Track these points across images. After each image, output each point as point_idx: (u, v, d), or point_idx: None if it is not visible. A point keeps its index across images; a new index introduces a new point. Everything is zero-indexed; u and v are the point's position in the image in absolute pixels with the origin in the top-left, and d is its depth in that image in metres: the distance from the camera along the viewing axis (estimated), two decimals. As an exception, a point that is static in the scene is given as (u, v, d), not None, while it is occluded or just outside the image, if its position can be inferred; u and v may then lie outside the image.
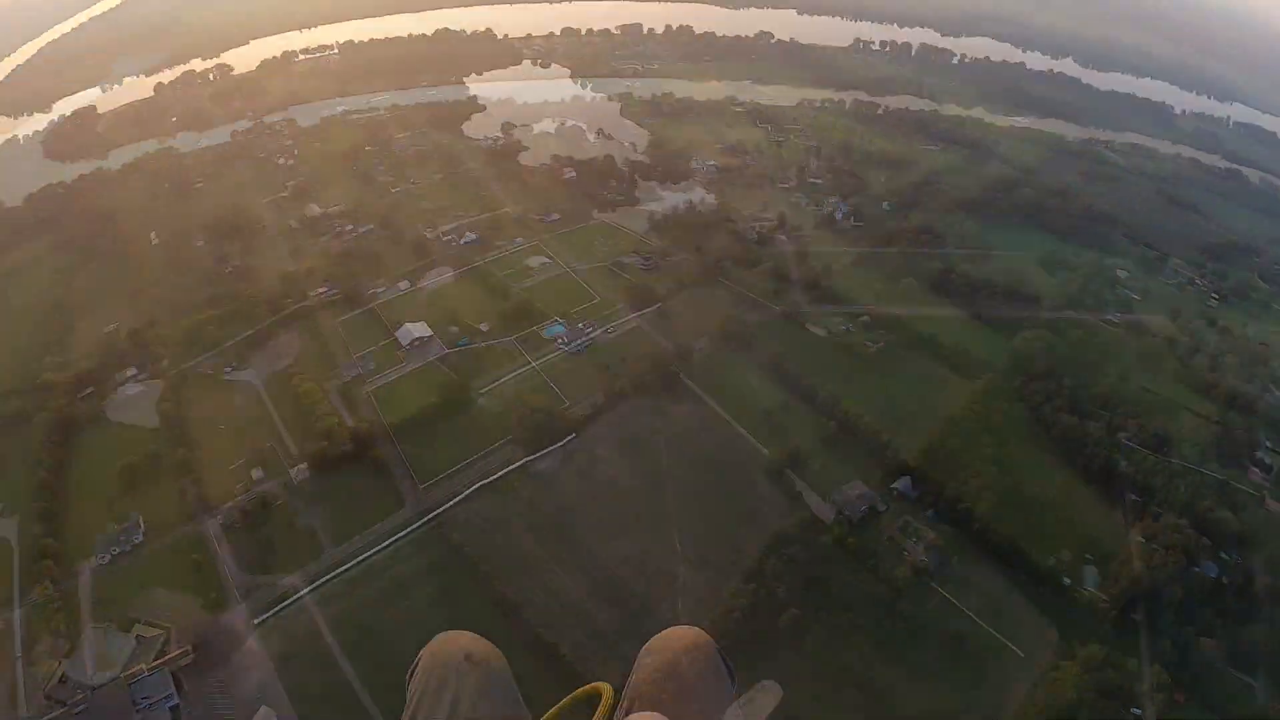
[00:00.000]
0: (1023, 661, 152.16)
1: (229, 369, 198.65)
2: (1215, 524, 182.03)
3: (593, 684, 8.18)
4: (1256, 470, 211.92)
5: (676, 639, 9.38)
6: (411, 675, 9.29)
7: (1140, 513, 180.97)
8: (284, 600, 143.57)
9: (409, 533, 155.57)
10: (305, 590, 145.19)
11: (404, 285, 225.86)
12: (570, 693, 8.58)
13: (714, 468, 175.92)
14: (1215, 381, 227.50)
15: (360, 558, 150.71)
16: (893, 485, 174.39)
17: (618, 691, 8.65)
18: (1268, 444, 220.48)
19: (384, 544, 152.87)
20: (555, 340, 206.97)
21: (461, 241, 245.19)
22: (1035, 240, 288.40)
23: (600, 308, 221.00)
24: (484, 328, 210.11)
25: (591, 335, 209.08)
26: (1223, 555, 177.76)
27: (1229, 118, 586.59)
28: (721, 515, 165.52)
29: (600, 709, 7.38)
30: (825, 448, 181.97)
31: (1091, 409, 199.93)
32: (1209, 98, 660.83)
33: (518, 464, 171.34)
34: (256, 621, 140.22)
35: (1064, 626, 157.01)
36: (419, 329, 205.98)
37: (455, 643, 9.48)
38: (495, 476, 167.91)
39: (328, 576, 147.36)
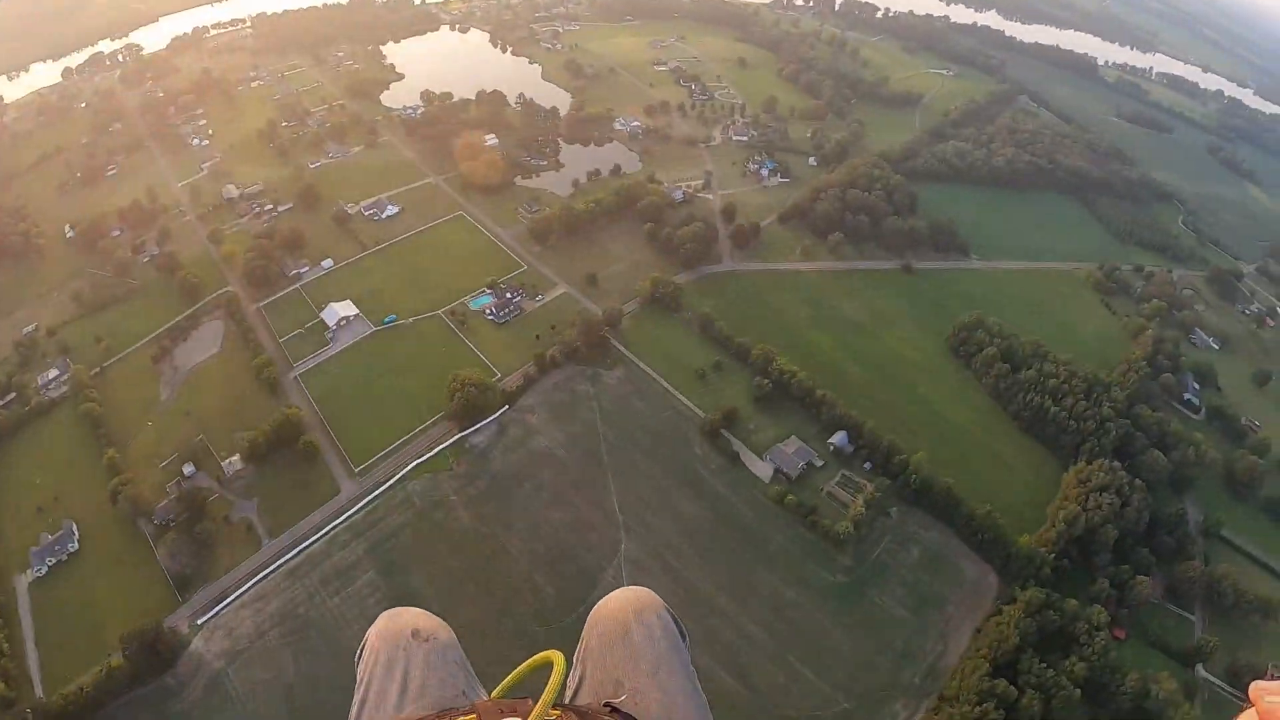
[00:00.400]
0: (966, 608, 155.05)
1: (154, 362, 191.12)
2: (1147, 465, 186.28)
3: (543, 653, 7.64)
4: (1185, 411, 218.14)
5: (625, 601, 9.15)
6: (360, 656, 8.95)
7: (1074, 457, 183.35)
8: (224, 599, 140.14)
9: (346, 519, 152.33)
10: (246, 587, 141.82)
11: (327, 264, 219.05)
12: (521, 663, 8.27)
13: (649, 431, 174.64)
14: (1143, 327, 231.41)
15: (299, 549, 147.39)
16: (829, 440, 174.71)
17: (569, 659, 8.24)
18: (1195, 386, 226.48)
19: (321, 533, 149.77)
20: (483, 311, 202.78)
21: (383, 215, 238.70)
22: (964, 192, 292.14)
23: (528, 275, 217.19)
24: (409, 302, 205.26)
25: (519, 302, 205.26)
26: (1154, 496, 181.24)
27: (1152, 68, 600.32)
28: (659, 479, 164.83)
29: (552, 678, 6.98)
30: (760, 406, 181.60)
31: (1023, 357, 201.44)
32: (1131, 48, 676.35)
33: (451, 440, 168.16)
34: (200, 622, 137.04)
35: (1004, 572, 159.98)
36: (344, 308, 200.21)
37: (401, 619, 9.14)
38: (430, 455, 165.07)
39: (266, 571, 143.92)
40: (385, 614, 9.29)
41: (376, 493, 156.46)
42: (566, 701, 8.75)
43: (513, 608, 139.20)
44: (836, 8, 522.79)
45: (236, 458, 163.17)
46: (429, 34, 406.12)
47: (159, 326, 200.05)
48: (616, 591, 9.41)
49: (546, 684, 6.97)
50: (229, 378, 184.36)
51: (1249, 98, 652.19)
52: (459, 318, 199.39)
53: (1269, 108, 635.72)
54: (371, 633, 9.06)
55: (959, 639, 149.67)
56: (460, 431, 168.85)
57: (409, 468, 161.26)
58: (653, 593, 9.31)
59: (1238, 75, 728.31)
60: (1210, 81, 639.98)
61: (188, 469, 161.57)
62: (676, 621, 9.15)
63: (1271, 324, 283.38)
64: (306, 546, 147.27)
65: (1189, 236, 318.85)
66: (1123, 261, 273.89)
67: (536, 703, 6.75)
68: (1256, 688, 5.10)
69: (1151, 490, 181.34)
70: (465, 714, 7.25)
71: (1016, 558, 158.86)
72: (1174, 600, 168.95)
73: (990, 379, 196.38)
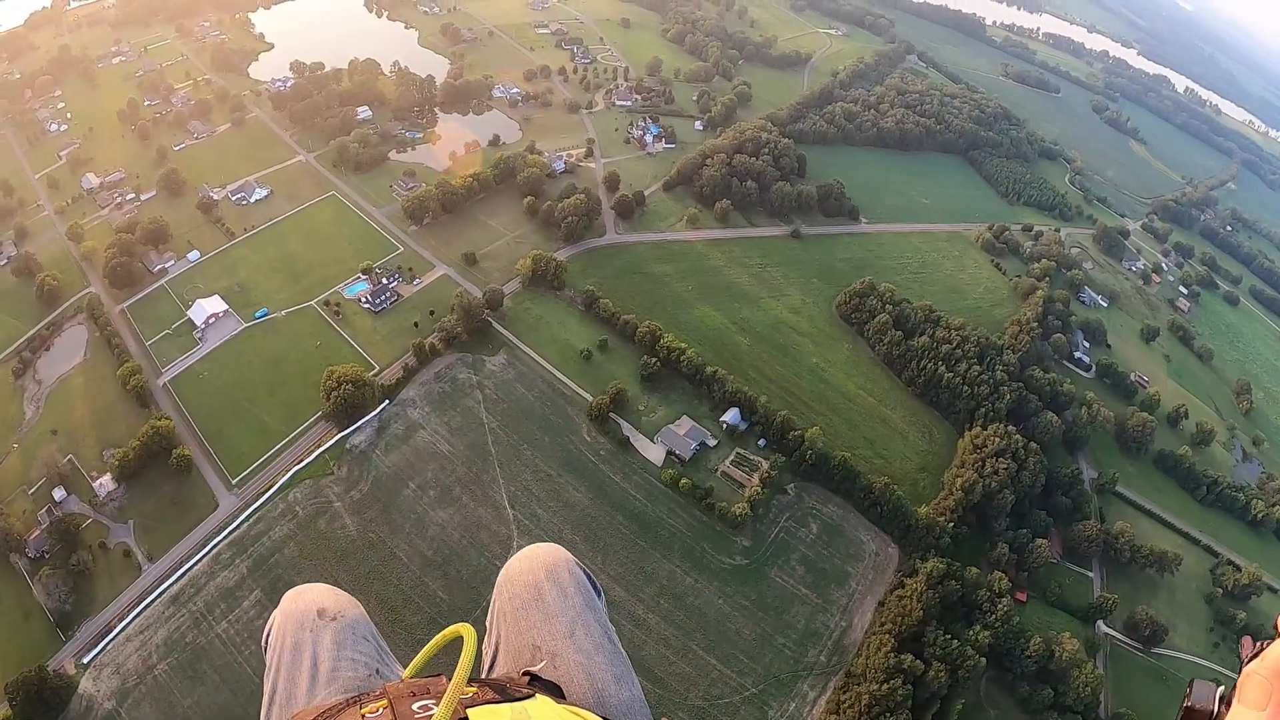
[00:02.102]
0: (867, 582, 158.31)
1: (15, 377, 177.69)
2: (1042, 427, 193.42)
3: (453, 627, 7.46)
4: (1076, 369, 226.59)
5: (534, 559, 9.06)
6: (266, 641, 8.82)
7: (969, 422, 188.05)
8: (109, 633, 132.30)
9: (227, 536, 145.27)
10: (130, 618, 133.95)
11: (194, 255, 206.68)
12: (429, 641, 8.08)
13: (536, 419, 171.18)
14: (1033, 288, 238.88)
15: (180, 572, 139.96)
16: (722, 419, 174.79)
17: (480, 626, 8.17)
18: (1085, 344, 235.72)
19: (202, 552, 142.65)
20: (358, 299, 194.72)
21: (252, 199, 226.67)
22: (853, 154, 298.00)
23: (404, 257, 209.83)
24: (282, 293, 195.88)
25: (396, 288, 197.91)
26: (1049, 458, 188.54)
27: (1039, 29, 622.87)
28: (549, 470, 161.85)
29: (464, 654, 6.86)
30: (649, 386, 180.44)
31: (915, 323, 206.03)
32: (1019, 9, 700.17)
33: (331, 442, 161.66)
34: (85, 661, 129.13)
35: (904, 543, 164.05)
36: (213, 304, 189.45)
37: (305, 598, 8.92)
38: (309, 460, 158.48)
39: (150, 599, 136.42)
40: (289, 593, 9.03)
41: (256, 505, 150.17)
42: (483, 674, 8.68)
43: (405, 616, 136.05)
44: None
45: (107, 478, 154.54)
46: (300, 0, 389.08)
47: (19, 337, 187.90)
48: (524, 550, 9.26)
49: (459, 658, 6.71)
50: (95, 389, 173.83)
51: (1133, 58, 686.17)
52: (333, 308, 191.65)
53: (1152, 67, 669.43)
54: (276, 614, 8.82)
55: (863, 614, 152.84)
56: (340, 432, 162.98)
57: (288, 475, 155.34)
58: (561, 548, 9.25)
59: (1122, 36, 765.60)
60: (1096, 42, 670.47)
61: (58, 493, 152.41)
62: (589, 576, 9.09)
63: (1157, 280, 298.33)
64: (188, 569, 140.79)
65: (1076, 195, 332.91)
66: (1012, 221, 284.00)
67: (450, 679, 6.44)
68: None
69: (1046, 451, 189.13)
70: (375, 699, 6.90)
71: (916, 528, 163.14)
72: (1073, 559, 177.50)
73: (883, 347, 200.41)
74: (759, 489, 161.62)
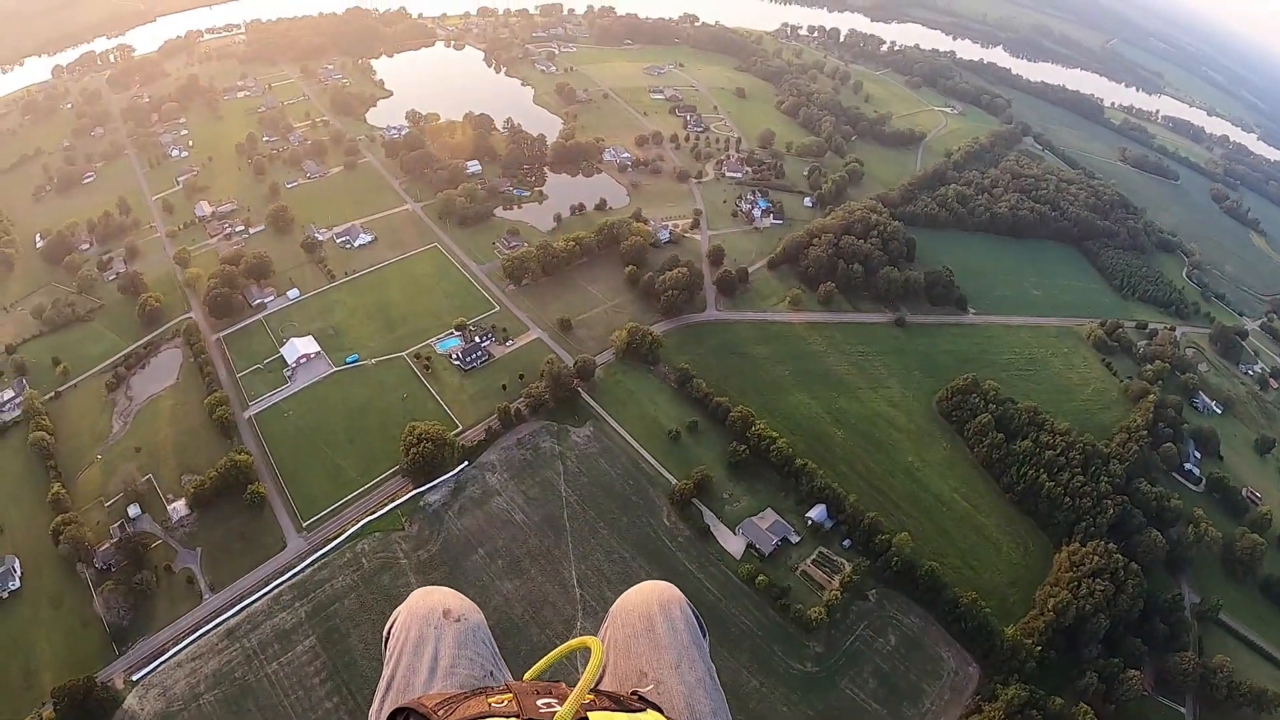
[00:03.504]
0: (943, 702, 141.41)
1: (108, 390, 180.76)
2: (1144, 546, 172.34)
3: (580, 638, 7.76)
4: (1184, 482, 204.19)
5: (649, 594, 8.99)
6: (388, 634, 8.85)
7: (1067, 536, 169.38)
8: (162, 655, 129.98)
9: (290, 578, 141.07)
10: (184, 644, 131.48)
11: (294, 293, 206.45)
12: (556, 648, 8.28)
13: (616, 497, 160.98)
14: (1145, 391, 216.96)
15: (239, 606, 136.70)
16: (808, 515, 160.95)
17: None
18: (1196, 454, 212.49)
19: (264, 591, 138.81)
20: (449, 355, 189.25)
21: (355, 243, 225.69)
22: (963, 239, 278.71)
23: (499, 317, 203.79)
24: (374, 341, 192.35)
25: (488, 347, 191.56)
26: (1150, 579, 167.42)
27: (1157, 111, 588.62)
28: (623, 552, 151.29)
29: (591, 662, 7.31)
30: (735, 473, 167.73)
31: (1018, 425, 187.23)
32: (1137, 89, 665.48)
33: (406, 497, 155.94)
34: (135, 679, 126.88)
35: (986, 663, 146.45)
36: (306, 344, 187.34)
37: (433, 598, 9.02)
38: (382, 512, 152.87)
39: (206, 628, 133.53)
40: (417, 592, 9.15)
41: (324, 551, 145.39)
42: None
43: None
44: (841, 39, 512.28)
45: (182, 502, 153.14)
46: (423, 49, 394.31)
47: (117, 351, 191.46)
48: (640, 585, 9.26)
49: (582, 670, 6.92)
50: (182, 413, 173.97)
51: (1253, 143, 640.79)
52: (424, 361, 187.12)
53: (1272, 154, 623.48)
54: (401, 610, 8.93)
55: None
56: (414, 489, 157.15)
57: (359, 526, 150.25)
58: (674, 586, 9.21)
59: (1242, 120, 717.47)
60: (1215, 125, 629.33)
61: (133, 510, 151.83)
62: (698, 617, 9.01)
63: (1275, 386, 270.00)
64: (248, 605, 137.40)
65: (1193, 290, 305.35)
66: (1125, 317, 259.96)
67: (570, 687, 6.70)
68: None
69: (1146, 572, 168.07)
70: (501, 693, 7.01)
71: (1001, 649, 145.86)
72: (1165, 692, 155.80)
73: (983, 449, 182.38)
74: (838, 593, 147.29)
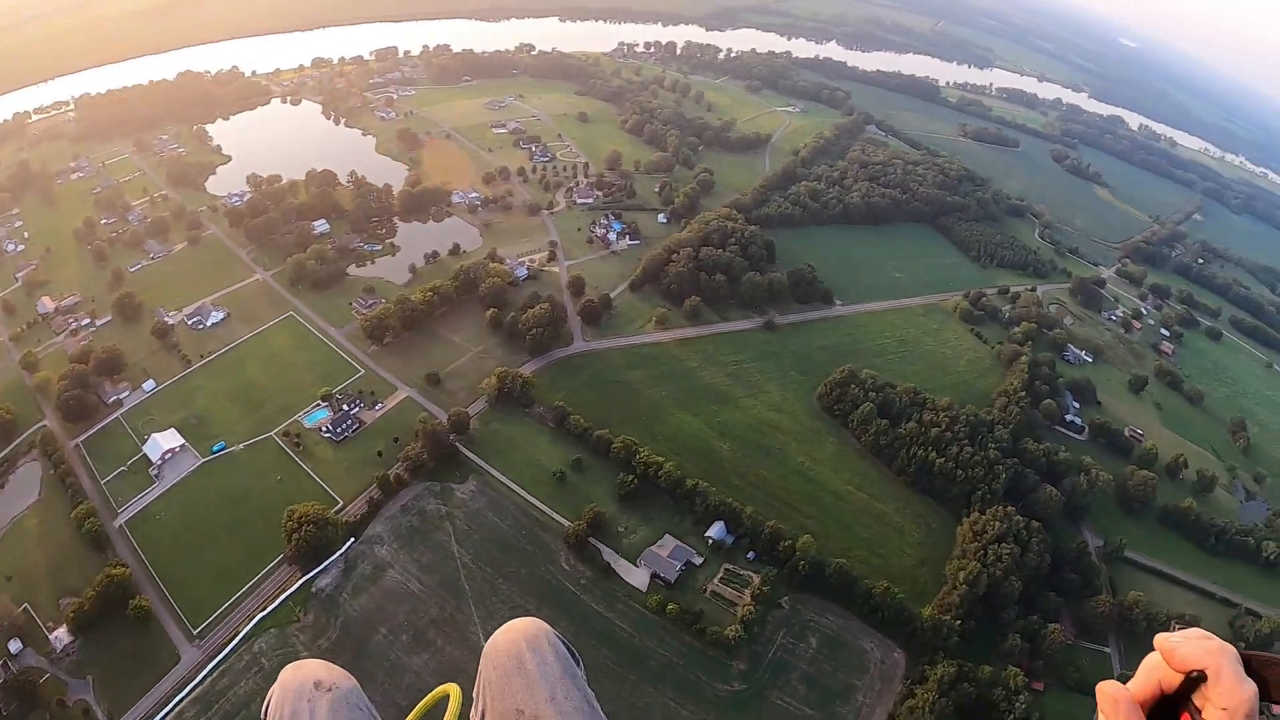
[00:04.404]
0: (876, 694, 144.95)
1: None
2: (1041, 502, 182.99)
3: (441, 687, 8.44)
4: (1069, 433, 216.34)
5: (516, 632, 9.36)
6: (265, 715, 9.05)
7: (966, 507, 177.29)
8: None
9: (190, 692, 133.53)
10: None
11: (149, 385, 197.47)
12: (419, 701, 8.87)
13: (510, 550, 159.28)
14: (1016, 353, 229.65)
15: None
16: (707, 534, 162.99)
17: (466, 694, 8.96)
18: (1075, 405, 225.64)
19: (165, 711, 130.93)
20: (319, 428, 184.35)
21: (208, 323, 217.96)
22: (821, 234, 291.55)
23: (365, 380, 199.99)
24: (239, 424, 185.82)
25: (358, 414, 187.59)
26: (1052, 533, 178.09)
27: (991, 84, 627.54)
28: (527, 604, 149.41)
29: (450, 709, 7.83)
30: (628, 505, 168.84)
31: (901, 408, 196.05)
32: (970, 66, 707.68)
33: (296, 586, 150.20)
34: None
35: (910, 647, 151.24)
36: (168, 438, 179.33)
37: (303, 671, 9.30)
38: (274, 606, 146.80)
39: None
40: (287, 668, 9.33)
41: (220, 657, 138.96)
42: None
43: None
44: (678, 52, 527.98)
45: (63, 630, 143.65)
46: (259, 108, 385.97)
47: None
48: (507, 624, 9.55)
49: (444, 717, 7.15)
50: (50, 531, 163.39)
51: (1085, 101, 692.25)
52: (293, 439, 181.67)
53: (1105, 109, 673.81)
54: (275, 687, 9.10)
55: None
56: (303, 575, 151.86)
57: (252, 624, 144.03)
58: (541, 621, 9.57)
59: (1072, 81, 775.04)
60: (1047, 90, 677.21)
61: (14, 646, 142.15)
62: (569, 646, 9.36)
63: (1138, 326, 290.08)
64: None
65: (1047, 249, 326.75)
66: (987, 285, 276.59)
67: None
68: (1160, 637, 5.75)
69: (1048, 527, 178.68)
70: None
71: (921, 630, 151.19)
72: (1087, 637, 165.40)
73: (870, 437, 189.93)
74: (751, 606, 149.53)
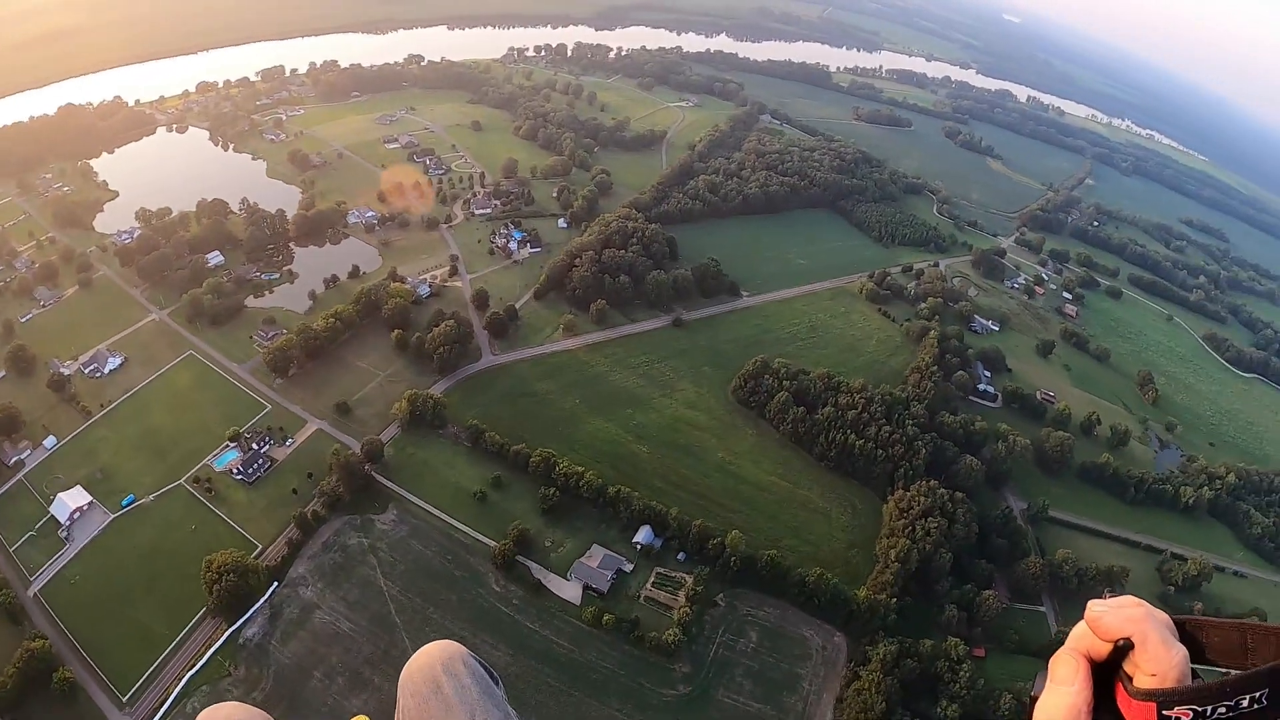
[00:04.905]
0: (821, 680, 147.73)
1: None
2: (963, 474, 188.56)
3: (353, 717, 8.50)
4: (983, 402, 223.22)
5: (430, 657, 9.40)
6: None
7: (890, 486, 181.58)
8: None
9: None
10: None
11: (50, 442, 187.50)
12: None
13: (438, 577, 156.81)
14: (925, 329, 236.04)
15: None
16: (634, 540, 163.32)
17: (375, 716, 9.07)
18: (987, 374, 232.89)
19: None
20: (230, 470, 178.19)
21: (106, 370, 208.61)
22: (723, 227, 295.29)
23: (274, 416, 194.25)
24: (148, 475, 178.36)
25: (268, 452, 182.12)
26: (977, 501, 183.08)
27: (881, 66, 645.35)
28: (461, 631, 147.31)
29: None
30: (552, 519, 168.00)
31: (816, 394, 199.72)
32: (859, 50, 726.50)
33: (222, 640, 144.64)
34: None
35: (850, 630, 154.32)
36: (75, 496, 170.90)
37: (218, 715, 9.35)
38: (202, 662, 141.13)
39: None
40: (203, 713, 9.24)
41: None
42: None
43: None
44: (569, 54, 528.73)
45: None
46: (145, 139, 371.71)
47: None
48: (421, 649, 9.59)
49: None
50: None
51: (973, 78, 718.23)
52: (204, 484, 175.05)
53: (993, 84, 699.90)
54: None
55: (823, 715, 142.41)
56: (229, 627, 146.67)
57: (182, 684, 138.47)
58: (455, 643, 9.61)
59: (959, 58, 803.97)
60: (935, 69, 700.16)
61: None
62: (485, 666, 9.45)
63: (1041, 292, 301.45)
64: None
65: (947, 224, 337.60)
66: (891, 264, 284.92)
67: None
68: (1089, 605, 5.77)
69: (972, 496, 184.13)
70: None
71: (859, 612, 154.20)
72: (1022, 599, 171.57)
73: (787, 425, 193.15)
74: (687, 608, 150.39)
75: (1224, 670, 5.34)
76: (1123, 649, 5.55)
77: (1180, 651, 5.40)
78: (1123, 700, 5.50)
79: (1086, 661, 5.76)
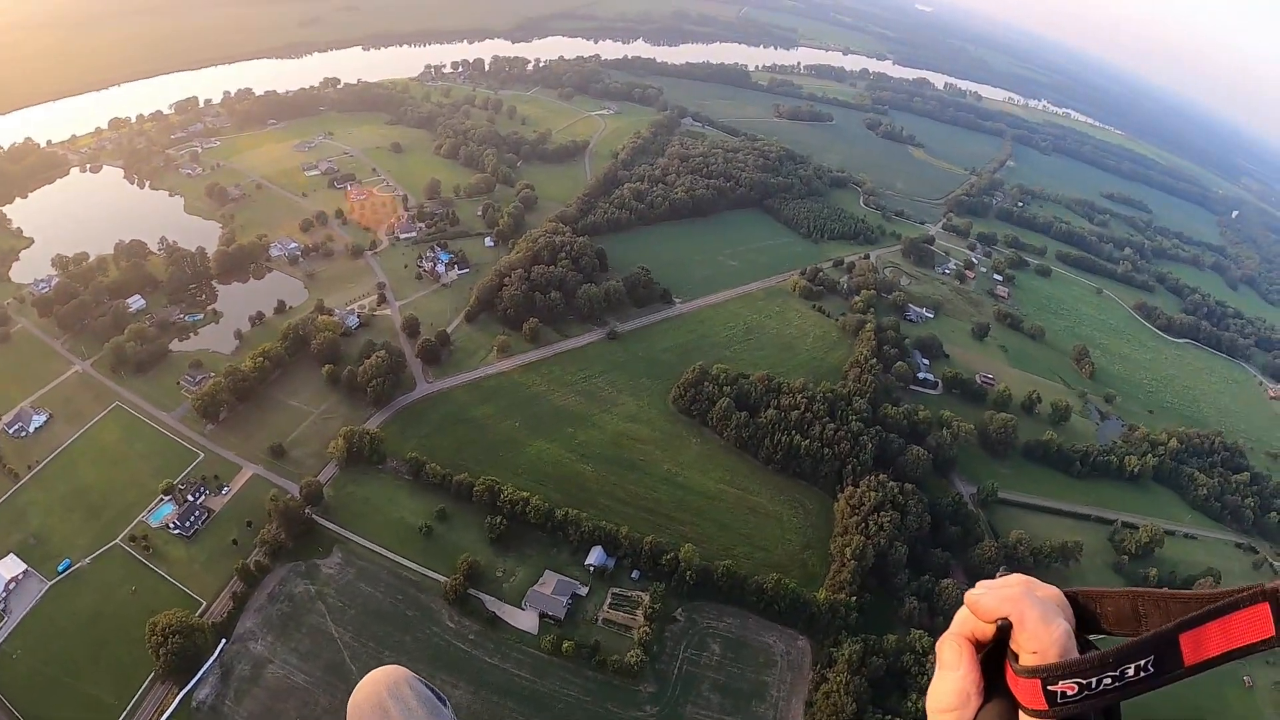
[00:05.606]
0: (789, 685, 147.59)
1: None
2: (911, 464, 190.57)
3: None
4: (924, 390, 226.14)
5: (375, 683, 9.43)
6: None
7: (839, 484, 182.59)
8: None
9: None
10: None
11: None
12: None
13: (390, 618, 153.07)
14: (860, 322, 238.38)
15: None
16: (586, 562, 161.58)
17: None
18: (925, 362, 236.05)
19: None
20: (166, 525, 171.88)
21: (30, 429, 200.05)
22: (652, 234, 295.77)
23: (207, 464, 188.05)
24: (82, 536, 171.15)
25: (204, 503, 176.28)
26: (926, 491, 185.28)
27: (799, 63, 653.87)
28: (418, 671, 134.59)
29: None
30: (501, 548, 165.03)
31: (757, 397, 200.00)
32: (776, 48, 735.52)
33: (174, 705, 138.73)
34: None
35: (812, 632, 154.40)
36: (9, 566, 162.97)
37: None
38: None
39: None
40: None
41: None
42: None
43: None
44: (487, 68, 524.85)
45: None
46: (58, 180, 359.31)
47: None
48: (366, 675, 9.56)
49: None
50: None
51: (890, 69, 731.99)
52: (141, 542, 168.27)
53: (910, 73, 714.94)
54: None
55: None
56: (180, 690, 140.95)
57: None
58: (400, 667, 9.64)
59: (876, 50, 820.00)
60: (852, 62, 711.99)
61: None
62: (431, 688, 9.43)
63: (972, 276, 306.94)
64: None
65: (874, 215, 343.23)
66: (821, 260, 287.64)
67: None
68: (969, 590, 5.87)
69: (922, 486, 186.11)
70: None
71: (820, 614, 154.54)
72: None
73: (731, 431, 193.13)
74: (647, 627, 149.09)
75: (1123, 639, 5.28)
76: (1006, 629, 5.59)
77: (1060, 627, 5.40)
78: (1011, 679, 5.53)
79: (970, 644, 5.84)
